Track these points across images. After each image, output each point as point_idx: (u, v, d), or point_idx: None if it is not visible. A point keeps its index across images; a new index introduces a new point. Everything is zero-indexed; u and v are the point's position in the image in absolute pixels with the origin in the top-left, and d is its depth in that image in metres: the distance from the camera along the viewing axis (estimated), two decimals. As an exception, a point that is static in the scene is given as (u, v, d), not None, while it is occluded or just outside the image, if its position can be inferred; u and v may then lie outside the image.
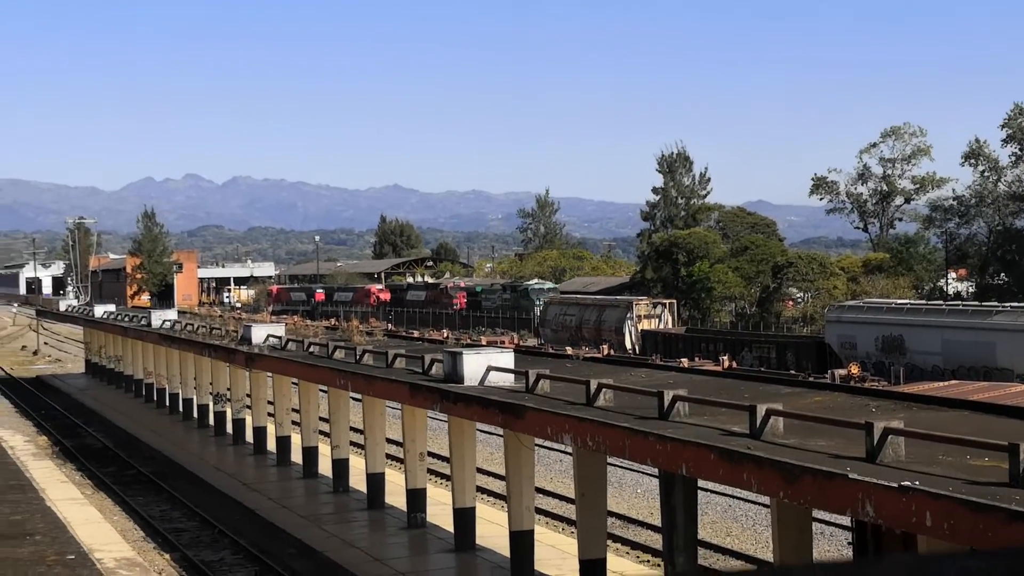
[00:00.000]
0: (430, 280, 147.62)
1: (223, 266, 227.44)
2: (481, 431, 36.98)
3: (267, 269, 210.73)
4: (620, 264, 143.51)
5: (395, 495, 34.65)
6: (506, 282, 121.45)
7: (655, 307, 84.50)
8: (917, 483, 14.16)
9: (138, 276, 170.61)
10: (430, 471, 37.21)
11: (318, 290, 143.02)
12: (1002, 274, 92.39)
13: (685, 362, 58.58)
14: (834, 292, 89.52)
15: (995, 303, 64.64)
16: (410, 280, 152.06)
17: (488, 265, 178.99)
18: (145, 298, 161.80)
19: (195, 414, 54.47)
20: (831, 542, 31.03)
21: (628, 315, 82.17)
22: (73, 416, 61.38)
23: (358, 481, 36.89)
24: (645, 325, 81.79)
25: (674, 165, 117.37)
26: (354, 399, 40.04)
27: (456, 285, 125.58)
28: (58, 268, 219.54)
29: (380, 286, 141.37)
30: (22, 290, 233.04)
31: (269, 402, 45.62)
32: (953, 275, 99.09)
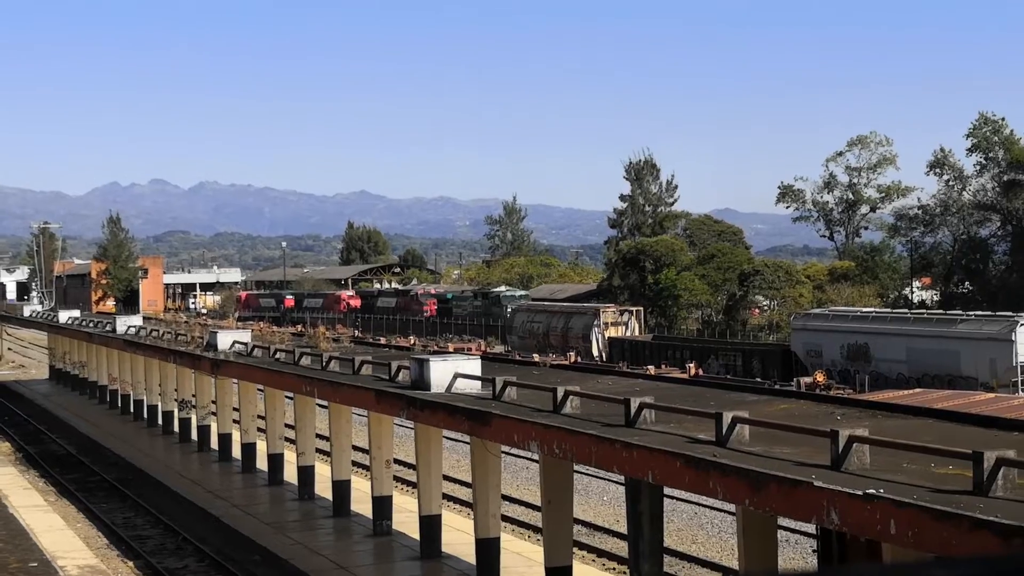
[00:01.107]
0: (398, 287, 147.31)
1: (189, 272, 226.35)
2: (448, 438, 36.89)
3: (233, 275, 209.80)
4: (587, 271, 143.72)
5: (361, 502, 34.54)
6: (477, 289, 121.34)
7: (622, 314, 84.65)
8: (882, 491, 14.21)
9: (103, 281, 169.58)
10: (396, 478, 37.12)
11: (288, 296, 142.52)
12: (966, 283, 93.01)
13: (652, 369, 58.66)
14: (800, 300, 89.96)
15: (959, 312, 65.05)
16: (379, 286, 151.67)
17: (456, 272, 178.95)
18: (110, 304, 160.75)
19: (160, 421, 54.18)
20: (796, 549, 31.12)
21: (595, 322, 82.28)
22: (36, 422, 60.99)
23: (324, 488, 36.75)
24: (612, 332, 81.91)
25: (641, 173, 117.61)
26: (320, 406, 39.91)
27: (427, 292, 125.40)
28: (22, 273, 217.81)
29: (350, 292, 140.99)
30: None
31: (235, 409, 45.40)
32: (918, 284, 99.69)
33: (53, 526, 35.02)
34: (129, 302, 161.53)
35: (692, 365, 65.96)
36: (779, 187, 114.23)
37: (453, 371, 26.59)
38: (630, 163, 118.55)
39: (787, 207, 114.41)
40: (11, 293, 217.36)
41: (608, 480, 38.65)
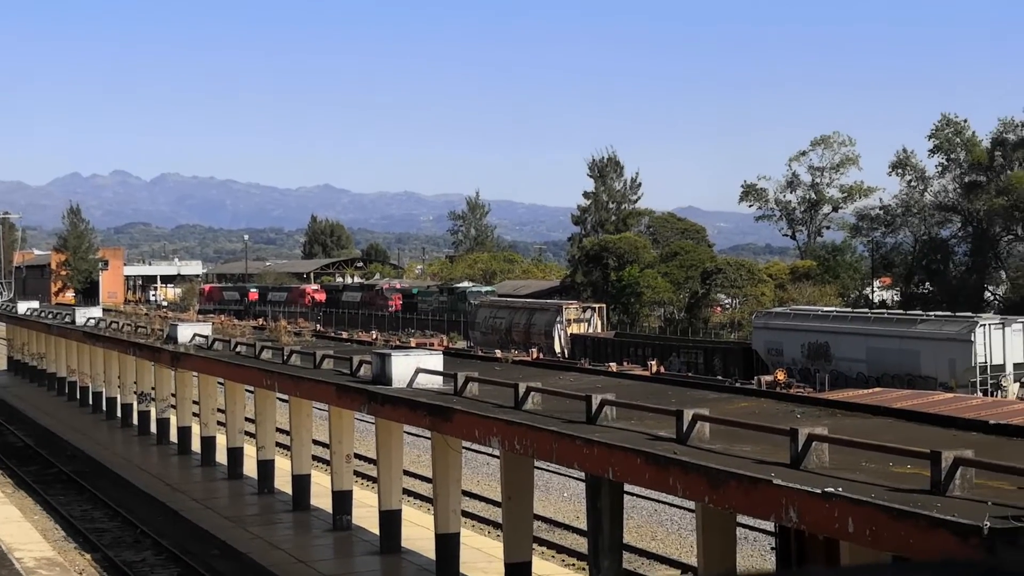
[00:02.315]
0: (363, 281, 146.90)
1: (150, 264, 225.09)
2: (408, 433, 36.84)
3: (195, 267, 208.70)
4: (551, 268, 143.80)
5: (321, 497, 34.46)
6: (442, 284, 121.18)
7: (585, 311, 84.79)
8: (840, 489, 14.28)
9: (63, 273, 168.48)
10: (356, 473, 37.04)
11: (252, 289, 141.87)
12: (927, 283, 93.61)
13: (614, 366, 58.85)
14: (762, 299, 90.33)
15: (919, 312, 65.46)
16: (344, 280, 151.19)
17: (419, 267, 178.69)
18: (70, 295, 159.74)
19: (119, 413, 53.85)
20: (755, 547, 31.25)
21: (558, 319, 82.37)
22: (-6, 414, 60.49)
23: (284, 483, 36.65)
24: (574, 329, 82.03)
25: (605, 170, 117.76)
26: (281, 400, 39.78)
27: (392, 287, 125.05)
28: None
29: (315, 286, 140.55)
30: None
31: (195, 402, 45.19)
32: (879, 284, 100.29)
33: (10, 518, 34.77)
34: (89, 294, 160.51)
35: (654, 363, 66.17)
36: (742, 186, 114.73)
37: (415, 366, 26.55)
38: (593, 160, 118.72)
39: (750, 206, 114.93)
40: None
41: (568, 476, 38.70)
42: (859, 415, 20.73)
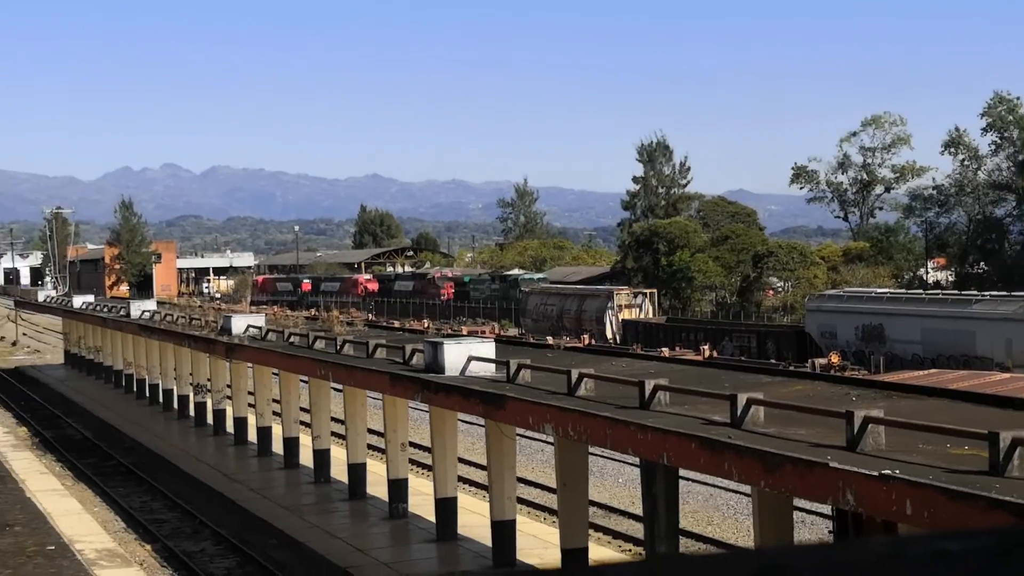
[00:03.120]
0: (415, 270, 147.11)
1: (202, 256, 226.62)
2: (463, 421, 36.93)
3: (246, 259, 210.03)
4: (601, 254, 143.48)
5: (377, 485, 34.61)
6: (494, 272, 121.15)
7: (636, 297, 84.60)
8: (897, 471, 14.21)
9: (116, 266, 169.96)
10: (412, 461, 37.19)
11: (305, 280, 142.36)
12: (981, 263, 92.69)
13: (666, 351, 58.72)
14: (814, 281, 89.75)
15: (974, 292, 64.89)
16: (393, 270, 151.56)
17: (469, 255, 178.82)
18: (124, 288, 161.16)
19: (175, 405, 54.31)
20: (812, 530, 31.14)
21: (609, 305, 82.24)
22: (53, 407, 61.19)
23: (339, 471, 36.82)
24: (626, 315, 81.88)
25: (654, 154, 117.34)
26: (335, 389, 39.99)
27: (444, 275, 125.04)
28: (36, 259, 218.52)
29: (368, 276, 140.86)
30: (0, 281, 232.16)
31: (250, 392, 45.52)
32: (933, 264, 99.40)
33: (70, 510, 35.16)
34: (143, 287, 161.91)
35: (706, 347, 65.94)
36: (793, 168, 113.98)
37: (467, 354, 26.62)
38: (643, 145, 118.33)
39: (801, 188, 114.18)
40: (25, 278, 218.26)
41: (623, 462, 38.67)
42: (915, 396, 20.61)
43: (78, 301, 74.00)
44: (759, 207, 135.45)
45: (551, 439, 28.78)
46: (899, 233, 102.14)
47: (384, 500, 33.23)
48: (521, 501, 32.63)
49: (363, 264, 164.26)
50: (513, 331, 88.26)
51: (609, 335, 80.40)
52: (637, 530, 29.29)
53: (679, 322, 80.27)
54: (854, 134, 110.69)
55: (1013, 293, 61.14)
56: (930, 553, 1.89)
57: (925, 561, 1.86)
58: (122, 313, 61.10)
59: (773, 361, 60.78)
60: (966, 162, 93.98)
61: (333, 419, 40.08)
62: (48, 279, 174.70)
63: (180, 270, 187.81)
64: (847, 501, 14.80)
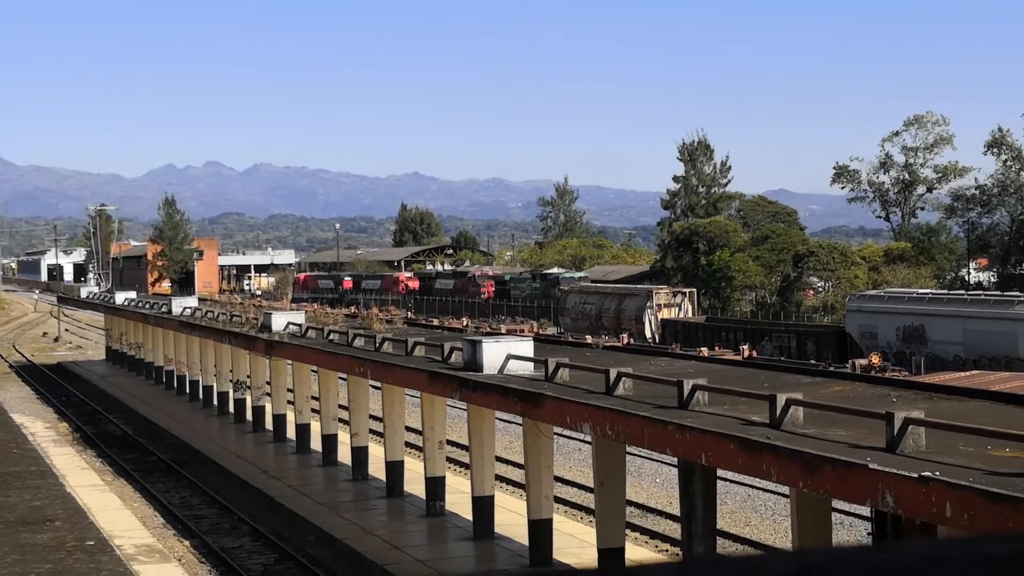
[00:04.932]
0: (455, 268, 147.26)
1: (243, 253, 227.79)
2: (500, 420, 36.92)
3: (287, 257, 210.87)
4: (640, 253, 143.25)
5: (414, 483, 34.65)
6: (534, 271, 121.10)
7: (675, 296, 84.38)
8: (937, 473, 14.09)
9: (159, 263, 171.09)
10: (449, 459, 37.20)
11: (346, 278, 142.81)
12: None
13: (705, 351, 58.54)
14: (855, 281, 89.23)
15: (1017, 293, 64.31)
16: (437, 268, 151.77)
17: (508, 254, 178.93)
18: (166, 285, 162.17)
19: (215, 401, 54.57)
20: (851, 532, 30.95)
21: (648, 304, 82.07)
22: (94, 403, 61.61)
23: (377, 469, 36.90)
24: (665, 314, 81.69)
25: (695, 154, 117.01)
26: (373, 387, 40.07)
27: (484, 273, 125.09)
28: (79, 255, 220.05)
29: (408, 274, 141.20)
30: (43, 277, 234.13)
31: (289, 390, 45.68)
32: (975, 265, 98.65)
33: (110, 505, 35.37)
34: (184, 284, 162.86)
35: (746, 347, 65.71)
36: (834, 167, 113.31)
37: (506, 352, 26.60)
38: (683, 144, 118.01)
39: (842, 188, 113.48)
40: (68, 275, 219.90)
41: (661, 462, 38.57)
42: (956, 398, 20.45)
43: (120, 297, 74.49)
44: (800, 207, 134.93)
45: (589, 438, 28.73)
46: (941, 233, 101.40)
47: (421, 498, 33.27)
48: (558, 500, 32.59)
49: (403, 262, 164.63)
50: (552, 330, 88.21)
51: (648, 334, 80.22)
52: (674, 530, 29.19)
53: (718, 322, 80.00)
54: (896, 134, 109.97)
55: (1057, 294, 60.57)
56: (974, 556, 1.85)
57: (969, 564, 1.82)
58: (164, 310, 61.46)
59: (813, 362, 60.49)
60: (1009, 162, 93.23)
61: (371, 417, 40.14)
62: (91, 275, 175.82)
63: (221, 267, 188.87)
64: (886, 503, 14.68)
